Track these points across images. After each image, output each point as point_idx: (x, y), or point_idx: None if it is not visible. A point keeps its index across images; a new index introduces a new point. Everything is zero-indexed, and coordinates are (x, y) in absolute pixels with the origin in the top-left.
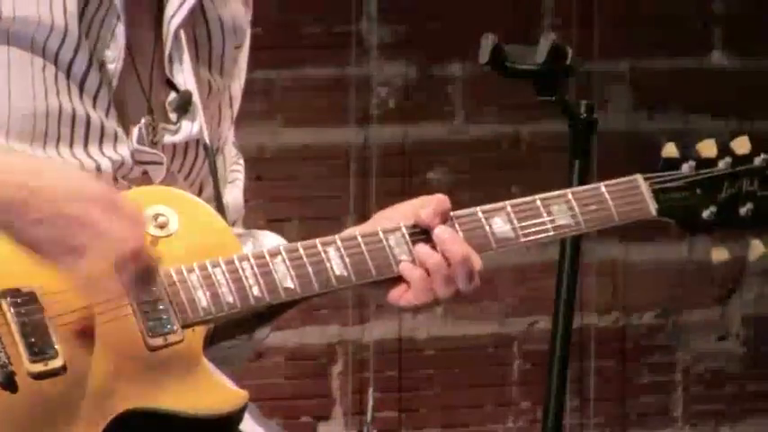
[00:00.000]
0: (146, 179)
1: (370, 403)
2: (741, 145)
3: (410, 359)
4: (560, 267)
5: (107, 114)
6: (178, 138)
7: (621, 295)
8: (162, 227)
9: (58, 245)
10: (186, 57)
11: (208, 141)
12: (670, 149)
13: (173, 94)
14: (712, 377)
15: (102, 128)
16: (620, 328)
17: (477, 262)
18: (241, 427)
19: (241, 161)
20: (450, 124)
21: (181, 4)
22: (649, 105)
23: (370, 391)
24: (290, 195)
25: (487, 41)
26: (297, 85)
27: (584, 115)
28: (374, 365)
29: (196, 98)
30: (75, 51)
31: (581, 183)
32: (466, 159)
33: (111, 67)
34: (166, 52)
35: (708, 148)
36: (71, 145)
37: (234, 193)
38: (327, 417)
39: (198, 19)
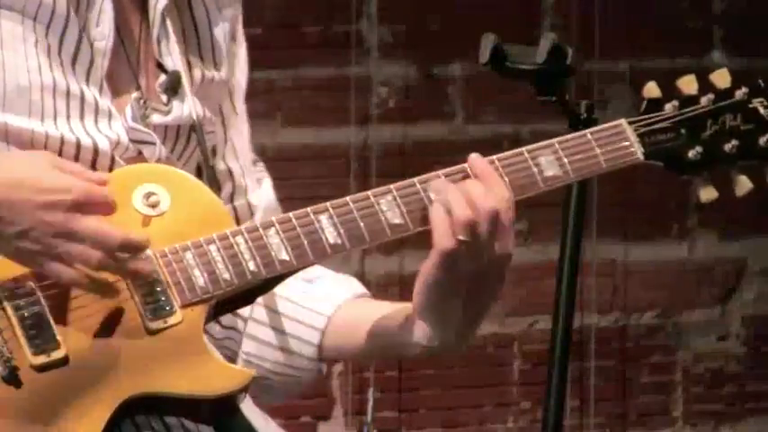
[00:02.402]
0: (141, 159)
1: (370, 403)
2: (721, 78)
3: (410, 359)
4: (560, 267)
5: (100, 92)
6: (169, 118)
7: (621, 295)
8: (153, 206)
9: (41, 255)
10: (173, 40)
11: (195, 120)
12: (651, 89)
13: (162, 76)
14: (712, 377)
15: (97, 105)
16: (620, 328)
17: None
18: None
19: (260, 163)
20: (450, 124)
21: None
22: None
23: (370, 391)
24: (290, 195)
25: (487, 41)
26: (297, 85)
27: (584, 115)
28: (374, 365)
29: (185, 80)
30: (65, 27)
31: (581, 182)
32: (466, 159)
33: (100, 44)
34: (154, 35)
35: (688, 83)
36: (68, 119)
37: (266, 193)
38: (327, 417)
39: (182, 6)
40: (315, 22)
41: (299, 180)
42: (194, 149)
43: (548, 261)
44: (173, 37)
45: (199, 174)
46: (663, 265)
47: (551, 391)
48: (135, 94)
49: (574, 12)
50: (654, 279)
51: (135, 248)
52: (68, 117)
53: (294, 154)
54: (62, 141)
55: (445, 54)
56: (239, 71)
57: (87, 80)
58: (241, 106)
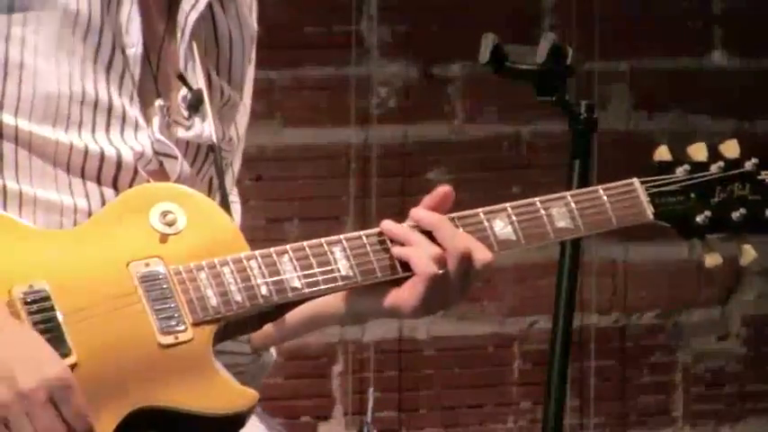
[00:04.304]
0: (162, 172)
1: (370, 403)
2: (730, 148)
3: (410, 359)
4: (560, 267)
5: (131, 101)
6: (190, 134)
7: (621, 295)
8: (170, 224)
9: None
10: (197, 55)
11: (215, 141)
12: (663, 153)
13: (184, 90)
14: (712, 377)
15: (124, 115)
16: (620, 328)
17: (483, 253)
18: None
19: (235, 190)
20: (450, 124)
21: (197, 0)
22: (649, 105)
23: (370, 391)
24: (290, 195)
25: (487, 41)
26: (297, 85)
27: (584, 115)
28: (374, 365)
29: (207, 99)
30: (100, 34)
31: (581, 183)
32: (466, 159)
33: (130, 51)
34: (182, 47)
35: (698, 150)
36: (93, 131)
37: (235, 216)
38: (327, 417)
39: (207, 20)
40: (315, 22)
41: (299, 180)
42: (208, 169)
43: (548, 261)
44: (196, 51)
45: (209, 193)
46: (663, 266)
47: (551, 391)
48: (158, 102)
49: (574, 12)
50: (654, 279)
51: None
52: (93, 128)
53: (294, 154)
54: (86, 152)
55: (445, 54)
56: (247, 96)
57: (120, 89)
58: (243, 132)
